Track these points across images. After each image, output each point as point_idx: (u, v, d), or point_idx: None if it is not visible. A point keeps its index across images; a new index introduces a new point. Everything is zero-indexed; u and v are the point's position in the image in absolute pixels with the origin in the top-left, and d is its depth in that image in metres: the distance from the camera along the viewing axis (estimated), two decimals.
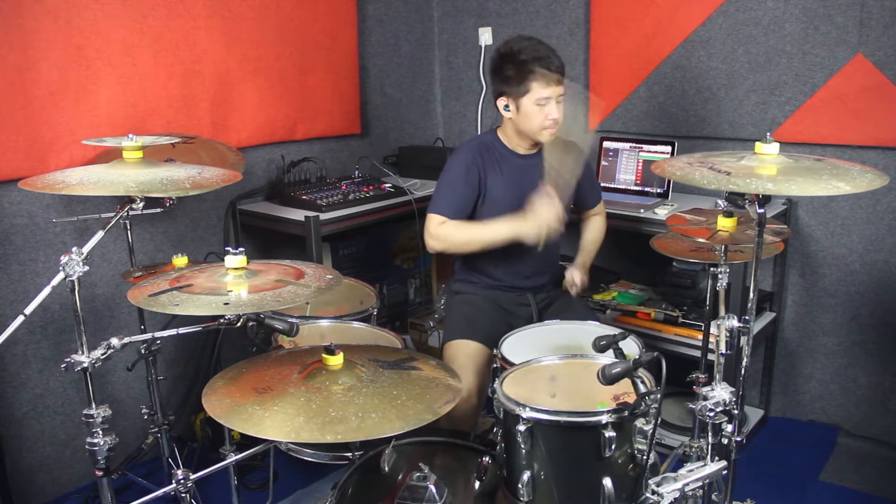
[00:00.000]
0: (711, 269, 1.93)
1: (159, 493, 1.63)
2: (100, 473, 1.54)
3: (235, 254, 1.54)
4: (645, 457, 1.51)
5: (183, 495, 1.60)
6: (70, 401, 2.53)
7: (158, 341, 2.28)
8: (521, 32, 2.27)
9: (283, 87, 2.96)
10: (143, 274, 2.21)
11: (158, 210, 2.29)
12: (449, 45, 3.65)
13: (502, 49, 2.22)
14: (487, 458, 1.69)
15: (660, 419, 1.49)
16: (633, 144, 2.96)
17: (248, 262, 1.56)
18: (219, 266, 1.60)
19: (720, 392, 1.48)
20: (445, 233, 2.20)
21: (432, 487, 1.54)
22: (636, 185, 2.94)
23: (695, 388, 1.94)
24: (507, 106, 2.22)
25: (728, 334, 1.49)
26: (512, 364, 1.83)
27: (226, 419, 1.36)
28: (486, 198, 2.26)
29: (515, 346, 2.01)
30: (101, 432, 1.52)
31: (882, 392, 2.71)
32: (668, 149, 2.87)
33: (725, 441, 1.55)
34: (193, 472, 1.62)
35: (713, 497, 1.64)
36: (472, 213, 2.26)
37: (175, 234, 2.75)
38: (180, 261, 2.21)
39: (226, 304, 1.40)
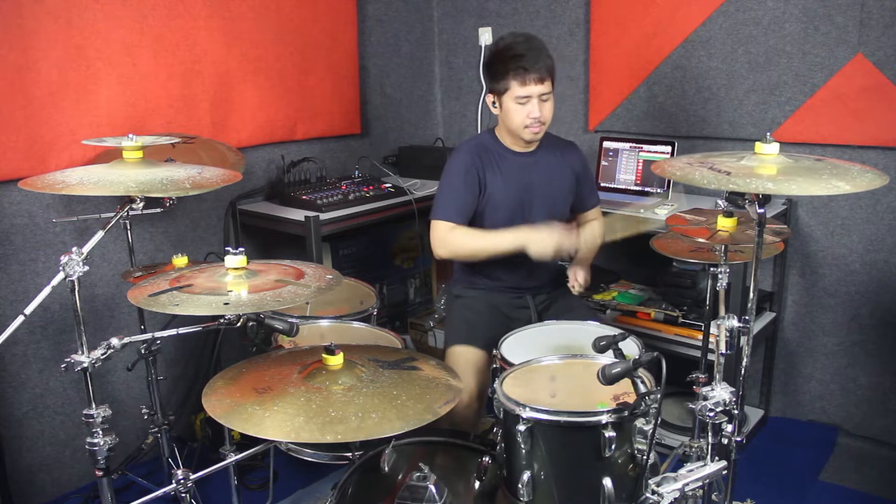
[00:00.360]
0: (711, 269, 1.93)
1: (159, 493, 1.63)
2: (100, 473, 1.54)
3: (235, 254, 1.54)
4: (645, 457, 1.51)
5: (183, 495, 1.60)
6: (70, 401, 2.53)
7: (158, 341, 2.28)
8: (512, 31, 2.26)
9: (283, 87, 2.96)
10: (143, 274, 2.21)
11: (158, 210, 2.29)
12: (449, 45, 3.65)
13: (492, 47, 2.23)
14: (487, 458, 1.69)
15: (660, 419, 1.49)
16: (633, 144, 2.96)
17: (248, 262, 1.56)
18: (219, 266, 1.60)
19: (720, 392, 1.48)
20: (454, 241, 2.20)
21: (432, 487, 1.54)
22: (636, 185, 2.94)
23: (695, 388, 1.93)
24: (494, 103, 2.24)
25: (728, 334, 1.49)
26: (512, 364, 1.83)
27: (226, 419, 1.36)
28: (486, 197, 2.26)
29: (515, 346, 2.01)
30: (101, 432, 1.52)
31: (882, 392, 2.71)
32: (668, 149, 2.87)
33: (725, 441, 1.55)
34: (193, 472, 1.62)
35: (713, 497, 1.64)
36: (474, 214, 2.26)
37: (175, 234, 2.75)
38: (180, 261, 2.21)
39: (226, 304, 1.40)
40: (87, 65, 2.38)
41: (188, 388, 2.84)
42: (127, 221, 2.34)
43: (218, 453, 1.86)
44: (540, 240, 2.09)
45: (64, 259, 1.46)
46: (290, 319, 1.77)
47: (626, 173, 2.97)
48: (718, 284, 1.85)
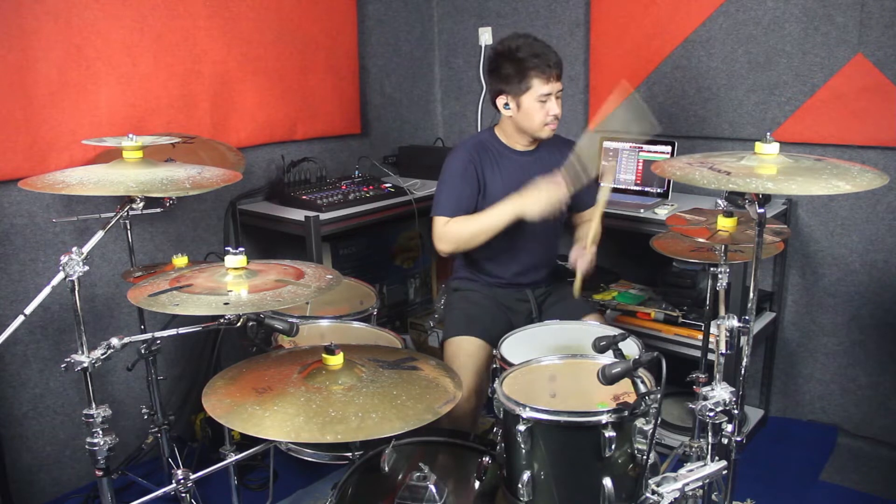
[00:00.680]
0: (711, 269, 1.93)
1: (159, 493, 1.63)
2: (100, 473, 1.54)
3: (235, 254, 1.54)
4: (645, 457, 1.51)
5: (183, 495, 1.60)
6: (70, 401, 2.53)
7: (158, 341, 2.29)
8: (514, 32, 2.26)
9: (283, 87, 2.96)
10: (143, 274, 2.21)
11: (158, 210, 2.29)
12: (449, 45, 3.65)
13: (499, 48, 2.22)
14: (487, 458, 1.69)
15: (660, 419, 1.49)
16: (633, 144, 2.96)
17: (248, 262, 1.56)
18: (219, 266, 1.60)
19: (720, 392, 1.48)
20: (451, 231, 2.20)
21: (432, 487, 1.54)
22: (636, 185, 2.94)
23: (695, 388, 1.94)
24: (507, 104, 2.22)
25: (728, 334, 1.49)
26: (512, 364, 1.83)
27: (226, 419, 1.36)
28: (485, 196, 2.26)
29: (515, 346, 2.01)
30: (101, 432, 1.52)
31: (882, 392, 2.71)
32: (668, 149, 2.87)
33: (725, 441, 1.55)
34: (193, 472, 1.62)
35: (713, 497, 1.64)
36: (474, 212, 2.26)
37: (175, 234, 2.75)
38: (180, 261, 2.21)
39: (226, 304, 1.40)
40: (87, 65, 2.38)
41: (188, 388, 2.84)
42: (127, 221, 2.34)
43: (218, 453, 1.85)
44: (533, 202, 2.09)
45: (64, 259, 1.46)
46: (290, 319, 1.77)
47: (626, 173, 2.97)
48: (718, 284, 1.85)
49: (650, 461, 1.52)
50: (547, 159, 2.32)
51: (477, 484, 1.69)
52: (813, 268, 2.79)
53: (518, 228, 2.21)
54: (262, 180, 2.99)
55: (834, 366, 2.80)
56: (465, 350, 2.20)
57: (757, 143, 1.52)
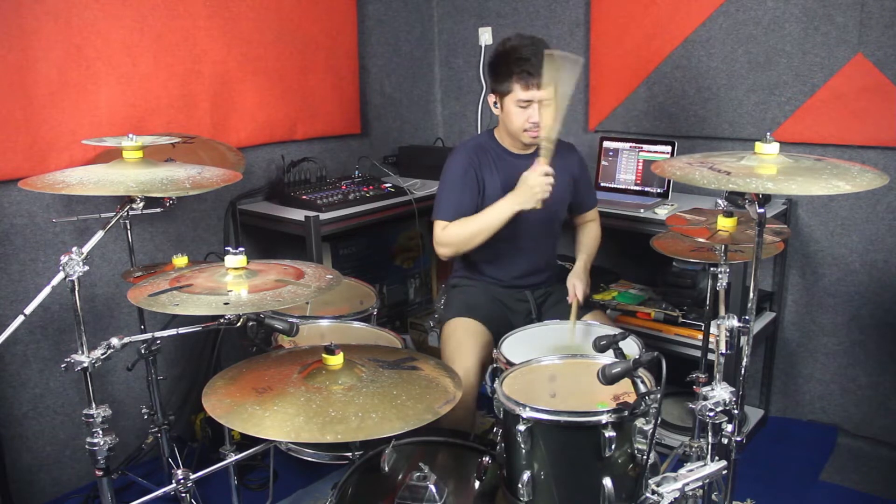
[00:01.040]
0: (711, 268, 1.93)
1: (159, 492, 1.63)
2: (100, 473, 1.54)
3: (235, 254, 1.54)
4: (645, 457, 1.51)
5: (183, 495, 1.60)
6: (70, 401, 2.53)
7: (158, 341, 2.28)
8: (522, 32, 2.26)
9: (283, 87, 2.96)
10: (143, 274, 2.21)
11: (158, 210, 2.29)
12: (449, 45, 3.65)
13: (499, 46, 2.23)
14: (487, 458, 1.69)
15: (660, 419, 1.49)
16: (633, 144, 2.96)
17: (248, 262, 1.56)
18: (219, 266, 1.60)
19: (720, 392, 1.48)
20: (450, 235, 2.20)
21: (432, 487, 1.54)
22: (636, 185, 2.94)
23: (695, 388, 1.94)
24: (495, 103, 2.24)
25: (728, 334, 1.49)
26: (512, 364, 1.83)
27: (226, 419, 1.36)
28: (483, 199, 2.26)
29: (515, 346, 2.01)
30: (101, 432, 1.52)
31: (882, 392, 2.71)
32: (668, 149, 2.87)
33: (725, 441, 1.55)
34: (193, 472, 1.62)
35: (713, 497, 1.63)
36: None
37: (175, 234, 2.75)
38: (180, 261, 2.21)
39: (226, 304, 1.40)
40: (87, 65, 2.38)
41: (188, 388, 2.84)
42: (127, 221, 2.34)
43: (218, 453, 1.85)
44: (526, 196, 2.08)
45: (64, 259, 1.46)
46: (290, 319, 1.77)
47: (626, 173, 2.97)
48: (718, 284, 1.85)
49: (650, 461, 1.52)
50: None
51: (477, 484, 1.69)
52: (813, 268, 2.79)
53: (517, 232, 2.21)
54: (262, 180, 2.99)
55: (834, 366, 2.80)
56: (465, 328, 2.20)
57: (757, 143, 1.52)
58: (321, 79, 3.10)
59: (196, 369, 2.85)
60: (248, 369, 1.58)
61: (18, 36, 2.22)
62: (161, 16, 2.54)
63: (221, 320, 1.62)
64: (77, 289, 1.49)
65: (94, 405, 1.51)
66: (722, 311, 1.63)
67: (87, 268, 1.48)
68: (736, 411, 1.53)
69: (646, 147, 2.94)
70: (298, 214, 2.67)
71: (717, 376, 1.50)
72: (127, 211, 1.63)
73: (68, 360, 1.48)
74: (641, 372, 1.51)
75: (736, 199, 1.61)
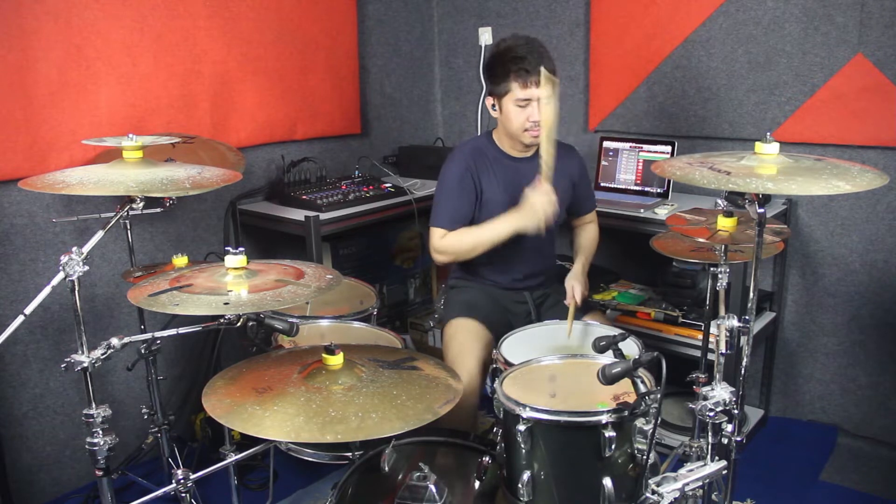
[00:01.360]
0: (711, 268, 1.93)
1: (159, 492, 1.63)
2: (100, 473, 1.54)
3: (235, 254, 1.54)
4: (645, 457, 1.51)
5: (183, 495, 1.60)
6: (70, 401, 2.53)
7: (158, 341, 2.28)
8: (521, 32, 2.26)
9: (283, 87, 2.96)
10: (143, 274, 2.21)
11: (158, 210, 2.29)
12: (449, 45, 3.65)
13: (493, 48, 2.22)
14: (487, 458, 1.69)
15: (660, 419, 1.49)
16: (633, 144, 2.96)
17: (248, 262, 1.56)
18: (219, 266, 1.60)
19: (720, 392, 1.48)
20: (448, 245, 2.20)
21: (432, 487, 1.54)
22: (636, 185, 2.94)
23: (695, 388, 1.94)
24: (493, 105, 2.22)
25: (728, 334, 1.49)
26: (512, 364, 1.83)
27: (226, 419, 1.36)
28: (481, 202, 2.25)
29: (515, 346, 2.01)
30: (101, 432, 1.52)
31: (882, 392, 2.71)
32: (668, 149, 2.87)
33: (725, 441, 1.55)
34: (193, 472, 1.62)
35: (713, 497, 1.64)
36: (471, 220, 2.26)
37: (175, 234, 2.75)
38: (180, 261, 2.21)
39: (226, 304, 1.40)
40: (87, 65, 2.38)
41: (188, 388, 2.84)
42: (127, 221, 2.34)
43: (218, 453, 1.86)
44: (529, 217, 2.07)
45: (64, 259, 1.46)
46: (290, 319, 1.77)
47: (626, 173, 2.97)
48: (718, 284, 1.85)
49: (650, 461, 1.52)
50: None
51: (477, 484, 1.69)
52: (813, 268, 2.79)
53: (515, 237, 2.21)
54: (262, 180, 2.99)
55: (834, 366, 2.80)
56: (466, 328, 2.21)
57: (757, 143, 1.52)
58: (321, 79, 3.10)
59: (196, 369, 2.85)
60: (248, 369, 1.58)
61: (18, 36, 2.22)
62: (161, 16, 2.54)
63: (221, 320, 1.62)
64: (77, 289, 1.49)
65: (94, 405, 1.51)
66: (722, 311, 1.63)
67: (87, 268, 1.48)
68: (736, 411, 1.53)
69: (646, 147, 2.94)
70: (298, 214, 2.67)
71: (717, 376, 1.50)
72: (127, 211, 1.63)
73: (68, 360, 1.48)
74: (641, 372, 1.51)
75: (736, 199, 1.61)
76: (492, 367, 1.99)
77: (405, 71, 3.56)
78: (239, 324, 1.65)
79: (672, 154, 2.85)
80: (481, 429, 2.56)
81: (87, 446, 1.52)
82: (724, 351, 1.49)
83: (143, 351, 2.29)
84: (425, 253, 3.41)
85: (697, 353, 2.49)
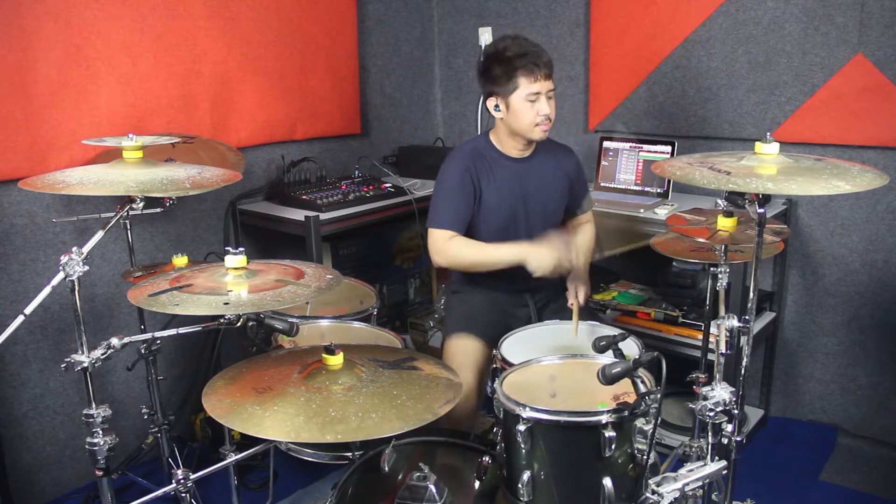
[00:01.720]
0: (711, 268, 1.93)
1: (159, 492, 1.63)
2: (100, 473, 1.54)
3: (235, 254, 1.54)
4: (645, 457, 1.51)
5: (183, 495, 1.60)
6: (70, 401, 2.53)
7: (158, 341, 2.28)
8: (520, 32, 2.25)
9: (283, 87, 2.96)
10: (143, 274, 2.21)
11: (158, 210, 2.29)
12: (449, 45, 3.65)
13: (488, 50, 2.21)
14: (487, 458, 1.69)
15: (660, 419, 1.49)
16: (633, 144, 2.96)
17: (248, 262, 1.56)
18: (219, 266, 1.60)
19: (720, 392, 1.48)
20: (453, 252, 2.18)
21: (432, 487, 1.54)
22: (636, 185, 2.94)
23: (695, 388, 1.94)
24: (497, 106, 2.20)
25: (728, 334, 1.49)
26: (512, 364, 1.83)
27: (226, 419, 1.36)
28: (480, 204, 2.24)
29: (515, 346, 2.01)
30: (101, 432, 1.52)
31: (882, 392, 2.71)
32: (668, 149, 2.87)
33: (725, 441, 1.55)
34: (193, 472, 1.62)
35: (713, 497, 1.64)
36: (470, 221, 2.25)
37: (175, 234, 2.75)
38: (180, 261, 2.21)
39: (226, 304, 1.40)
40: (87, 65, 2.38)
41: (188, 388, 2.84)
42: (127, 221, 2.35)
43: (218, 453, 1.86)
44: (540, 256, 2.08)
45: (64, 259, 1.46)
46: (290, 319, 1.77)
47: (626, 173, 2.97)
48: (718, 284, 1.85)
49: (650, 461, 1.52)
50: (543, 166, 2.30)
51: (477, 484, 1.69)
52: (813, 268, 2.79)
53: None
54: (262, 180, 2.99)
55: (834, 366, 2.80)
56: (465, 349, 2.20)
57: (757, 143, 1.52)
58: (321, 79, 3.10)
59: (196, 369, 2.85)
60: (248, 369, 1.58)
61: (18, 36, 2.22)
62: (161, 16, 2.54)
63: (221, 320, 1.62)
64: (77, 289, 1.49)
65: (94, 405, 1.51)
66: (722, 311, 1.63)
67: (87, 268, 1.48)
68: (736, 411, 1.53)
69: (646, 147, 2.94)
70: (298, 214, 2.67)
71: (717, 376, 1.50)
72: (127, 211, 1.63)
73: (68, 360, 1.48)
74: (641, 372, 1.51)
75: (736, 199, 1.61)
76: (492, 367, 1.99)
77: (405, 71, 3.56)
78: (239, 324, 1.64)
79: (672, 154, 2.85)
80: (481, 429, 2.56)
81: (87, 446, 1.52)
82: (724, 351, 1.49)
83: (143, 351, 2.29)
84: (425, 253, 3.39)
85: (697, 353, 2.49)
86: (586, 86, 3.20)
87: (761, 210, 1.46)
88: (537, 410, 1.52)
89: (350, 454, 1.79)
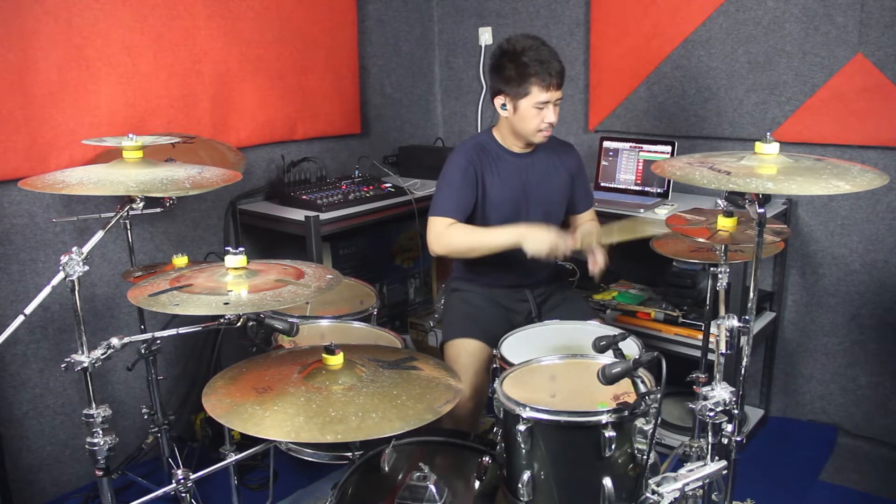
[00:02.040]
0: (711, 268, 1.93)
1: (159, 492, 1.63)
2: (100, 473, 1.54)
3: (235, 254, 1.54)
4: (645, 457, 1.51)
5: (183, 495, 1.60)
6: (70, 401, 2.53)
7: (158, 341, 2.29)
8: (522, 32, 2.25)
9: (283, 87, 2.96)
10: (143, 274, 2.21)
11: (158, 210, 2.29)
12: (449, 45, 3.66)
13: (505, 46, 2.19)
14: (487, 458, 1.69)
15: (660, 419, 1.49)
16: (633, 144, 2.96)
17: (248, 262, 1.56)
18: (219, 266, 1.60)
19: (720, 392, 1.48)
20: (450, 237, 2.17)
21: (432, 487, 1.54)
22: (636, 185, 2.94)
23: (695, 388, 1.94)
24: (504, 105, 2.20)
25: (728, 334, 1.49)
26: (512, 364, 1.83)
27: (226, 419, 1.36)
28: (484, 198, 2.25)
29: (515, 346, 2.01)
30: (101, 432, 1.52)
31: (882, 392, 2.71)
32: (668, 149, 2.87)
33: (725, 441, 1.55)
34: (193, 472, 1.62)
35: (713, 497, 1.64)
36: (471, 214, 2.26)
37: (175, 234, 2.75)
38: (180, 261, 2.21)
39: (226, 303, 1.40)
40: (87, 65, 2.38)
41: (188, 388, 2.84)
42: (127, 221, 2.35)
43: (218, 453, 1.86)
44: (536, 238, 2.08)
45: (64, 259, 1.46)
46: (290, 319, 1.77)
47: (626, 173, 2.97)
48: (718, 284, 1.85)
49: (650, 461, 1.52)
50: (545, 162, 2.31)
51: (477, 484, 1.69)
52: (813, 268, 2.79)
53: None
54: (262, 180, 2.99)
55: (834, 366, 2.80)
56: (466, 351, 2.20)
57: (757, 143, 1.52)
58: (321, 79, 3.10)
59: (196, 369, 2.86)
60: (248, 369, 1.58)
61: (18, 36, 2.22)
62: (161, 16, 2.54)
63: (221, 320, 1.62)
64: (77, 289, 1.49)
65: (94, 405, 1.51)
66: (722, 311, 1.63)
67: (87, 268, 1.48)
68: (736, 411, 1.53)
69: (646, 147, 2.94)
70: (298, 214, 2.67)
71: (717, 376, 1.50)
72: (127, 211, 1.63)
73: (68, 360, 1.48)
74: (641, 372, 1.51)
75: (736, 199, 1.61)
76: (492, 367, 1.99)
77: (405, 71, 3.56)
78: (239, 324, 1.65)
79: (672, 154, 2.85)
80: (481, 429, 2.56)
81: (87, 446, 1.52)
82: (724, 351, 1.49)
83: (143, 351, 2.29)
84: (425, 253, 3.39)
85: (697, 353, 2.49)
86: (586, 86, 3.20)
87: (761, 210, 1.46)
88: (537, 410, 1.52)
89: (350, 454, 1.79)
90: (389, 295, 3.30)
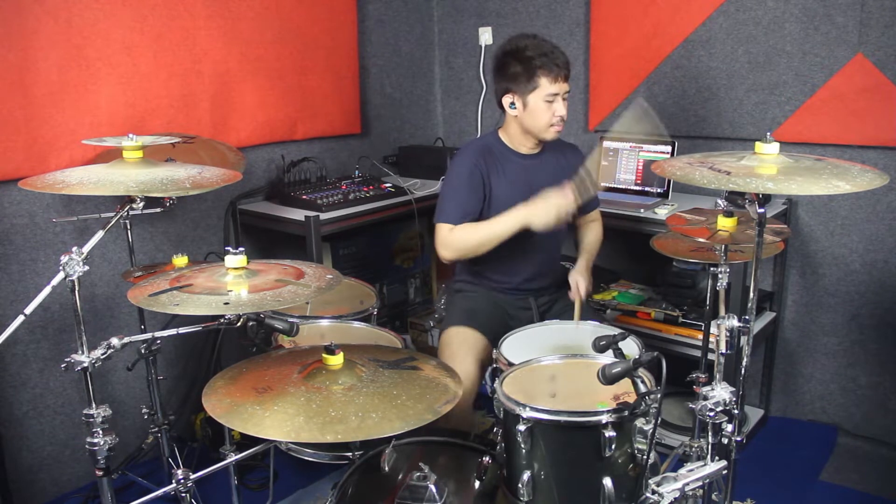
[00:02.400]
0: (711, 268, 1.93)
1: (159, 492, 1.63)
2: (100, 473, 1.54)
3: (235, 254, 1.54)
4: (645, 457, 1.51)
5: (183, 495, 1.60)
6: (70, 401, 2.53)
7: (158, 341, 2.28)
8: (522, 32, 2.26)
9: (283, 87, 2.96)
10: (143, 274, 2.21)
11: (158, 210, 2.29)
12: (449, 45, 3.66)
13: (507, 47, 2.20)
14: (487, 458, 1.69)
15: (660, 419, 1.49)
16: (634, 144, 2.96)
17: (248, 262, 1.56)
18: (219, 266, 1.60)
19: (720, 392, 1.48)
20: (456, 239, 2.16)
21: (432, 487, 1.54)
22: (636, 185, 2.94)
23: (695, 387, 1.94)
24: (512, 104, 2.20)
25: (728, 334, 1.49)
26: (512, 364, 1.83)
27: (226, 419, 1.36)
28: (490, 201, 2.25)
29: (515, 346, 2.01)
30: (101, 432, 1.52)
31: (882, 392, 2.71)
32: (668, 149, 2.87)
33: (725, 441, 1.55)
34: (193, 472, 1.62)
35: (713, 497, 1.64)
36: (478, 217, 2.25)
37: (175, 234, 2.75)
38: (180, 261, 2.21)
39: (226, 303, 1.40)
40: (87, 65, 2.38)
41: (188, 388, 2.84)
42: (127, 221, 2.35)
43: (218, 453, 1.86)
44: (539, 212, 2.06)
45: (64, 259, 1.46)
46: (290, 319, 1.77)
47: (626, 173, 2.97)
48: (718, 284, 1.85)
49: (650, 461, 1.53)
50: (552, 163, 2.31)
51: (477, 484, 1.69)
52: (813, 268, 2.79)
53: (521, 237, 2.20)
54: (262, 180, 2.99)
55: (834, 366, 2.80)
56: (463, 337, 2.19)
57: (757, 143, 1.52)
58: (321, 79, 3.10)
59: (196, 369, 2.85)
60: (248, 369, 1.58)
61: (18, 36, 2.22)
62: (161, 16, 2.54)
63: (221, 320, 1.62)
64: (77, 289, 1.49)
65: (94, 405, 1.51)
66: (722, 311, 1.64)
67: (87, 268, 1.48)
68: (736, 411, 1.53)
69: (646, 147, 2.94)
70: (298, 214, 2.67)
71: (717, 376, 1.50)
72: (127, 211, 1.63)
73: (68, 360, 1.48)
74: (641, 372, 1.51)
75: (736, 199, 1.61)
76: (492, 367, 1.99)
77: (405, 71, 3.56)
78: (239, 324, 1.65)
79: (672, 154, 2.85)
80: (481, 429, 2.57)
81: (87, 446, 1.52)
82: (724, 351, 1.49)
83: (143, 351, 2.29)
84: (425, 253, 3.41)
85: (697, 353, 2.49)
86: (586, 86, 3.20)
87: (761, 210, 1.46)
88: (537, 410, 1.52)
89: (350, 454, 1.79)
90: (389, 295, 3.30)
